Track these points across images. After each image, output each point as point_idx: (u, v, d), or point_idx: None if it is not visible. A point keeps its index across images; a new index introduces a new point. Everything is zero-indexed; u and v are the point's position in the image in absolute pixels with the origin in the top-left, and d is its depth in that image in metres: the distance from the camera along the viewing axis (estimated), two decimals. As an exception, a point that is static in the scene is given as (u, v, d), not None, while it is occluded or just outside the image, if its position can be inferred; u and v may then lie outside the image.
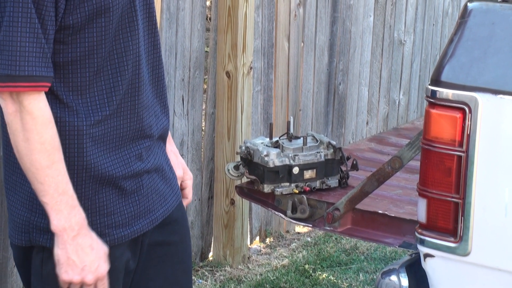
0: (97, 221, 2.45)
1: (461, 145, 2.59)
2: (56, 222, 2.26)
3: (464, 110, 2.58)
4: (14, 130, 2.28)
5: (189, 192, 2.74)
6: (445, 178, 2.62)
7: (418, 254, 2.77)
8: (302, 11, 4.96)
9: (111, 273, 2.46)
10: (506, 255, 2.56)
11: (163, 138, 2.61)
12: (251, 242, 4.84)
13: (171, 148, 2.70)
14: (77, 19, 2.30)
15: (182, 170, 2.68)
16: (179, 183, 2.67)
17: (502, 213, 2.56)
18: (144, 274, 2.56)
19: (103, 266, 2.29)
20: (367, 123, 5.42)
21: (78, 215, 2.29)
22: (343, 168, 3.26)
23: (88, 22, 2.31)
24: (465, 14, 2.64)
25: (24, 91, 2.26)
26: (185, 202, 2.71)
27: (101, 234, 2.44)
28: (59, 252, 2.26)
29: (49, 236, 2.37)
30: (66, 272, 2.27)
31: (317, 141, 3.28)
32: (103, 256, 2.30)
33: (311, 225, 3.24)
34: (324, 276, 4.57)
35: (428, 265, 2.71)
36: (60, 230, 2.26)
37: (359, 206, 3.17)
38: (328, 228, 3.19)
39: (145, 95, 2.35)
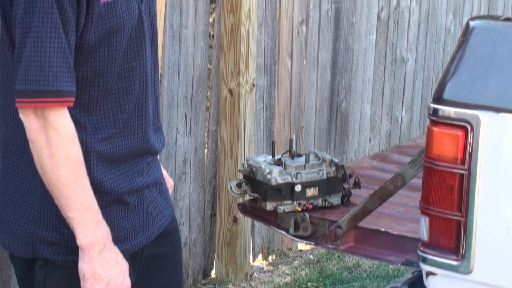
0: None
1: (463, 163, 2.59)
2: (83, 237, 2.29)
3: (466, 128, 2.58)
4: (38, 147, 2.28)
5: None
6: (447, 196, 2.63)
7: (420, 272, 2.77)
8: (305, 29, 4.97)
9: None
10: (509, 273, 2.56)
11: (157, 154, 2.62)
12: (254, 260, 4.84)
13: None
14: (92, 39, 2.33)
15: (166, 178, 2.70)
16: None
17: (505, 231, 2.57)
18: (141, 282, 2.62)
19: (127, 280, 2.37)
20: (369, 140, 5.44)
21: (104, 229, 2.33)
22: (346, 186, 3.28)
23: (101, 42, 2.33)
24: (467, 32, 2.65)
25: (50, 107, 2.27)
26: None
27: None
28: (85, 267, 2.31)
29: (53, 249, 2.44)
30: (92, 286, 2.33)
31: (319, 158, 3.29)
32: (127, 270, 2.35)
33: (313, 243, 3.25)
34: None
35: (431, 283, 2.71)
36: (86, 244, 2.29)
37: (362, 224, 3.18)
38: (331, 246, 3.20)
39: (150, 114, 2.33)
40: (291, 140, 3.70)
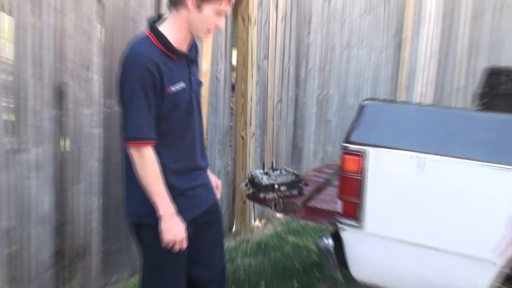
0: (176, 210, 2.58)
1: (360, 173, 2.66)
2: (161, 211, 2.41)
3: (361, 155, 2.61)
4: (137, 165, 2.40)
5: (219, 190, 2.81)
6: (352, 190, 2.68)
7: (337, 228, 2.77)
8: (280, 105, 4.99)
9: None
10: (383, 229, 2.58)
11: (206, 169, 2.70)
12: (254, 222, 4.83)
13: (209, 173, 2.78)
14: (164, 110, 2.42)
15: (215, 181, 2.76)
16: (216, 188, 2.76)
17: (380, 209, 2.59)
18: (198, 236, 2.67)
19: (184, 234, 2.46)
20: (312, 161, 5.42)
21: (171, 207, 2.44)
22: (300, 185, 3.26)
23: (169, 112, 2.45)
24: (361, 107, 2.71)
25: (143, 146, 2.34)
26: (218, 196, 2.78)
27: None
28: (164, 226, 2.42)
29: (148, 218, 2.45)
30: (168, 235, 2.43)
31: (287, 171, 3.30)
32: (184, 228, 2.47)
33: (284, 214, 3.25)
34: (290, 239, 4.56)
35: (343, 234, 2.81)
36: (163, 215, 2.42)
37: (309, 204, 3.18)
38: (293, 216, 3.21)
39: (197, 148, 2.42)
40: (272, 162, 3.85)
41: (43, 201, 3.11)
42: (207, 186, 2.68)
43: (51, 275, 3.22)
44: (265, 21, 4.50)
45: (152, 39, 2.36)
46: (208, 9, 2.35)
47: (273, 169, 3.40)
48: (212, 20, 2.40)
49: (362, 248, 2.75)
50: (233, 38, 4.46)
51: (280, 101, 4.95)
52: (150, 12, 3.57)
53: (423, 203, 2.57)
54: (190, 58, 2.50)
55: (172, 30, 2.40)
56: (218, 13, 2.41)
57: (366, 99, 2.86)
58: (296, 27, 4.87)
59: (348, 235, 2.76)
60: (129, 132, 2.36)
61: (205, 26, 2.40)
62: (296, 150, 5.21)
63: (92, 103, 3.29)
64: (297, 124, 5.19)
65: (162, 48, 2.36)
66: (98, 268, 3.50)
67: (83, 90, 3.23)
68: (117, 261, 3.63)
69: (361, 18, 5.58)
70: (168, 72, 2.36)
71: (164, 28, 2.42)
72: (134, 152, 2.37)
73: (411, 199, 2.60)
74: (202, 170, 2.65)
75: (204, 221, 2.64)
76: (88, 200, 3.35)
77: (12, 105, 2.94)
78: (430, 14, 6.62)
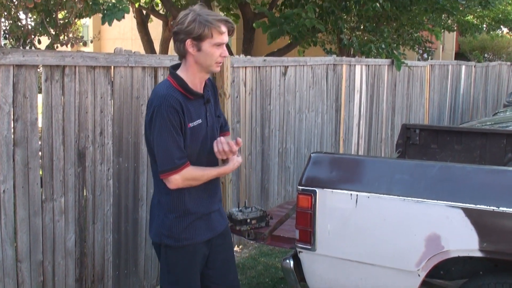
0: (192, 232, 2.33)
1: (311, 208, 2.70)
2: (217, 173, 2.31)
3: (312, 194, 2.67)
4: (186, 186, 2.22)
5: (240, 144, 2.39)
6: (305, 221, 2.72)
7: (296, 251, 2.78)
8: (250, 157, 5.01)
9: (199, 255, 2.38)
10: (330, 251, 2.60)
11: (219, 196, 2.51)
12: (234, 247, 4.75)
13: (228, 139, 2.47)
14: (186, 141, 2.25)
15: (233, 142, 2.36)
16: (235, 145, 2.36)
17: (327, 235, 2.63)
18: (212, 257, 2.47)
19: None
20: (277, 199, 5.40)
21: (221, 167, 2.33)
22: (267, 218, 3.27)
23: (188, 146, 2.26)
24: (311, 157, 2.76)
25: (179, 172, 2.18)
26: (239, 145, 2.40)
27: (192, 237, 2.33)
28: (230, 165, 2.32)
29: (168, 239, 2.29)
30: (235, 163, 2.35)
31: (257, 208, 3.30)
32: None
33: (255, 241, 3.24)
34: (262, 260, 4.54)
35: (300, 255, 2.84)
36: (225, 171, 2.35)
37: (275, 233, 3.18)
38: (262, 242, 3.21)
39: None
40: (245, 201, 3.75)
41: (68, 238, 3.09)
42: (220, 211, 2.50)
43: (75, 297, 3.53)
44: (237, 95, 4.53)
45: (173, 83, 2.24)
46: (206, 45, 2.20)
47: (246, 207, 3.40)
48: (215, 53, 2.24)
49: (315, 266, 2.73)
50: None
51: (250, 153, 4.88)
52: (149, 91, 3.52)
53: (360, 229, 2.56)
54: (206, 97, 2.36)
55: (187, 74, 2.27)
56: (217, 45, 2.24)
57: (314, 152, 2.94)
58: (260, 98, 4.89)
59: (304, 256, 2.73)
60: (164, 165, 2.19)
61: (212, 60, 2.24)
62: (264, 191, 5.12)
63: (106, 161, 3.28)
64: (264, 170, 5.10)
65: (181, 90, 2.23)
66: (112, 290, 3.83)
67: (99, 151, 3.23)
68: (127, 283, 3.57)
69: (309, 90, 5.67)
70: (188, 111, 2.23)
71: (181, 74, 2.28)
72: (175, 181, 2.20)
73: (350, 227, 2.59)
74: (216, 197, 2.47)
75: (217, 243, 2.45)
76: (103, 236, 3.33)
77: (46, 164, 2.94)
78: (359, 86, 6.94)
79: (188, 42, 2.21)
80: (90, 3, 4.71)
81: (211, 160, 2.40)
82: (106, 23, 4.97)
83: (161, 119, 2.15)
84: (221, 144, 2.30)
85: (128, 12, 4.95)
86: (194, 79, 2.28)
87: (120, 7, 4.66)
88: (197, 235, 2.32)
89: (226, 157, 2.34)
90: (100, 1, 4.90)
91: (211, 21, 2.21)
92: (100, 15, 4.93)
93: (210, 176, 2.31)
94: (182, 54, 2.26)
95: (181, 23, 2.21)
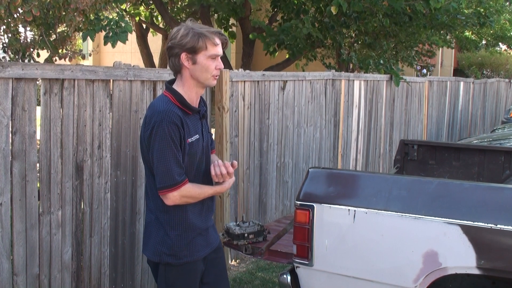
0: (192, 249, 2.31)
1: (308, 223, 2.69)
2: (213, 191, 2.30)
3: (309, 209, 2.68)
4: (184, 203, 2.21)
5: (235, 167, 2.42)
6: (303, 236, 2.71)
7: (294, 265, 2.78)
8: (248, 171, 5.02)
9: (197, 271, 2.36)
10: (327, 266, 2.60)
11: (213, 211, 2.52)
12: (230, 262, 4.79)
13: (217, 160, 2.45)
14: (185, 158, 2.23)
15: (229, 163, 2.37)
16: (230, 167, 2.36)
17: (325, 251, 2.61)
18: (207, 272, 2.46)
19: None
20: (275, 214, 5.40)
21: (216, 186, 2.33)
22: (265, 233, 3.28)
23: (187, 159, 2.25)
24: (309, 172, 2.75)
25: (177, 189, 2.17)
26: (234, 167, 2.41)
27: (192, 254, 2.32)
28: (222, 186, 2.34)
29: (169, 257, 2.26)
30: (229, 180, 2.33)
31: (254, 223, 3.31)
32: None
33: (253, 256, 3.23)
34: (259, 274, 4.52)
35: (298, 270, 2.81)
36: (216, 192, 2.33)
37: (272, 247, 3.18)
38: (260, 257, 3.20)
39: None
40: (243, 216, 3.71)
41: (65, 251, 3.09)
42: (214, 227, 2.51)
43: (71, 311, 3.51)
44: (235, 109, 4.54)
45: (171, 98, 2.21)
46: (201, 58, 2.18)
47: (243, 221, 3.40)
48: (210, 65, 2.22)
49: (313, 281, 2.72)
50: (212, 122, 4.43)
51: (248, 168, 4.88)
52: (148, 105, 3.35)
53: (357, 245, 2.56)
54: (202, 113, 2.34)
55: (183, 90, 2.24)
56: (212, 58, 2.21)
57: (312, 167, 2.86)
58: (259, 112, 4.91)
59: (302, 271, 2.72)
60: (164, 182, 2.16)
61: (208, 72, 2.21)
62: (261, 205, 5.13)
63: (104, 174, 3.28)
64: (262, 185, 5.10)
65: (180, 105, 2.21)
66: (108, 304, 3.77)
67: (97, 164, 3.23)
68: (123, 297, 3.93)
69: (307, 104, 5.69)
70: (187, 126, 2.21)
71: (177, 89, 2.25)
72: (173, 197, 2.18)
73: (348, 242, 2.59)
74: (212, 212, 2.48)
75: (211, 257, 2.45)
76: (100, 250, 3.33)
77: (43, 177, 2.94)
78: (358, 101, 6.97)
79: (183, 55, 2.20)
80: (92, 18, 4.74)
81: (208, 176, 2.38)
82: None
83: (162, 135, 2.11)
84: (219, 167, 2.29)
85: (131, 31, 4.89)
86: (191, 94, 2.26)
87: (123, 24, 4.67)
88: (196, 252, 2.31)
89: (223, 180, 2.34)
90: (101, 17, 4.92)
91: (205, 33, 2.20)
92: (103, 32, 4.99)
93: (206, 195, 2.31)
94: (177, 69, 2.25)
95: (174, 38, 2.22)
